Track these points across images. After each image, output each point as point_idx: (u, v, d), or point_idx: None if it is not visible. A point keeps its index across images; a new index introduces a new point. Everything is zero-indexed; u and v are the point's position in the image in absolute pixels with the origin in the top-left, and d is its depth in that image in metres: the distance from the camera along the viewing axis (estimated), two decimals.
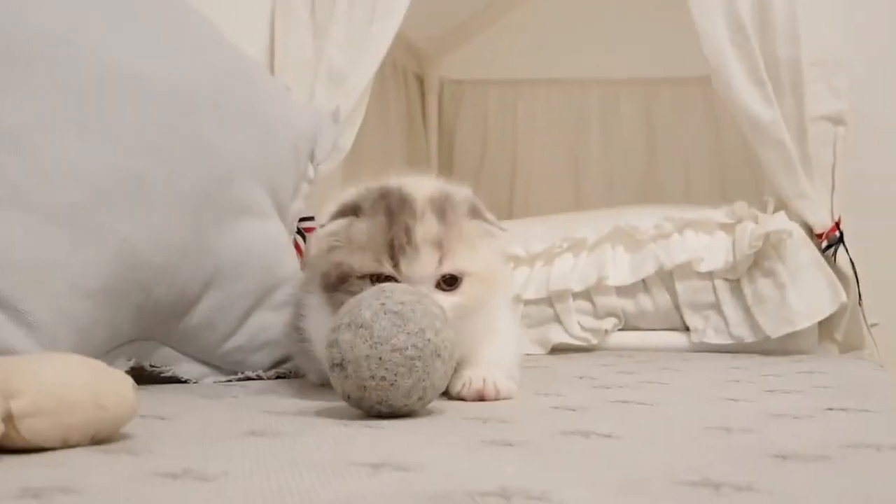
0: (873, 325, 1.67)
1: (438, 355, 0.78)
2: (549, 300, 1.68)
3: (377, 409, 0.78)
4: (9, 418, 0.59)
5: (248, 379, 1.18)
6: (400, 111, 2.41)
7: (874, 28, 2.11)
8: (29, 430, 0.60)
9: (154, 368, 1.09)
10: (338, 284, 0.90)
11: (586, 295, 1.67)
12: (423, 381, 0.78)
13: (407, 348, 0.76)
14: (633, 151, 2.50)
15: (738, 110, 1.64)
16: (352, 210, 0.91)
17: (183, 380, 1.12)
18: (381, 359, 0.76)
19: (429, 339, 0.77)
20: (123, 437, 0.68)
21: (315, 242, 1.70)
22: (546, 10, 2.51)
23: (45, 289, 0.90)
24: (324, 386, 1.06)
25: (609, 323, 1.66)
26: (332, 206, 0.93)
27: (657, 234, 1.67)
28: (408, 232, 0.88)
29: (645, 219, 1.70)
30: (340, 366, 0.78)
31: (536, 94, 2.61)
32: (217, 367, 1.16)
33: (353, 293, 0.86)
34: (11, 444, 0.60)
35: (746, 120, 1.63)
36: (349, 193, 0.94)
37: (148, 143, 1.02)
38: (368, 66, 1.71)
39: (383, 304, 0.78)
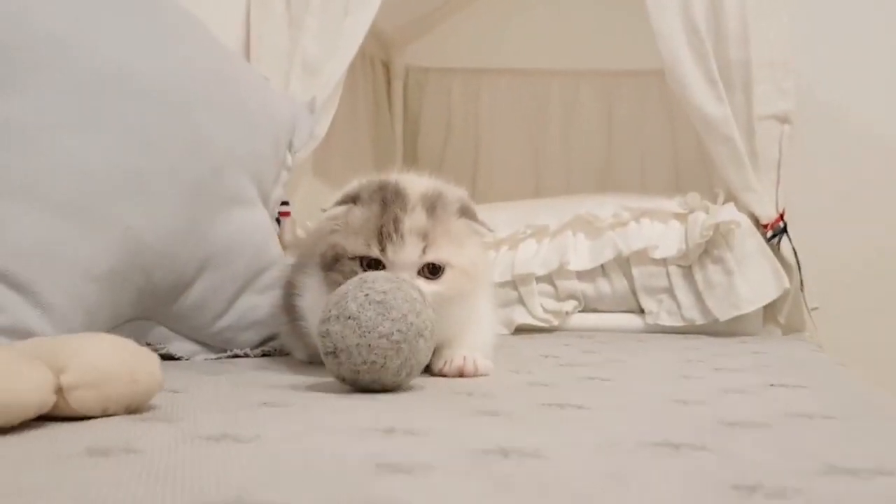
0: (814, 309, 1.79)
1: (421, 335, 0.87)
2: (514, 283, 1.77)
3: (370, 386, 0.87)
4: (59, 390, 0.67)
5: (237, 356, 1.26)
6: (367, 97, 2.48)
7: (823, 33, 2.24)
8: (76, 400, 0.68)
9: (150, 346, 1.16)
10: (332, 264, 0.99)
11: (548, 279, 1.77)
12: (410, 359, 0.87)
13: (392, 334, 0.85)
14: (591, 141, 2.58)
15: (691, 108, 1.74)
16: (352, 199, 1.00)
17: (176, 357, 1.20)
18: (370, 346, 0.85)
19: (411, 323, 0.86)
20: (151, 407, 0.76)
21: (288, 227, 1.78)
22: (509, 1, 2.58)
23: (57, 273, 0.97)
24: (311, 363, 1.15)
25: (570, 305, 1.76)
26: (337, 195, 1.01)
27: (615, 223, 1.77)
28: (396, 222, 0.96)
29: (604, 207, 1.80)
30: (334, 354, 0.86)
31: (499, 82, 2.68)
32: (207, 346, 1.24)
33: (343, 272, 0.96)
34: (60, 413, 0.68)
35: (699, 117, 1.73)
36: (352, 184, 1.02)
37: (147, 139, 1.09)
38: (343, 57, 1.79)
39: (367, 294, 0.87)
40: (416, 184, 1.02)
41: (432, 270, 0.98)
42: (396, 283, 0.89)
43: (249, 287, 1.26)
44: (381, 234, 0.96)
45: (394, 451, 0.58)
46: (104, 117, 1.04)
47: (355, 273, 0.96)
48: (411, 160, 2.64)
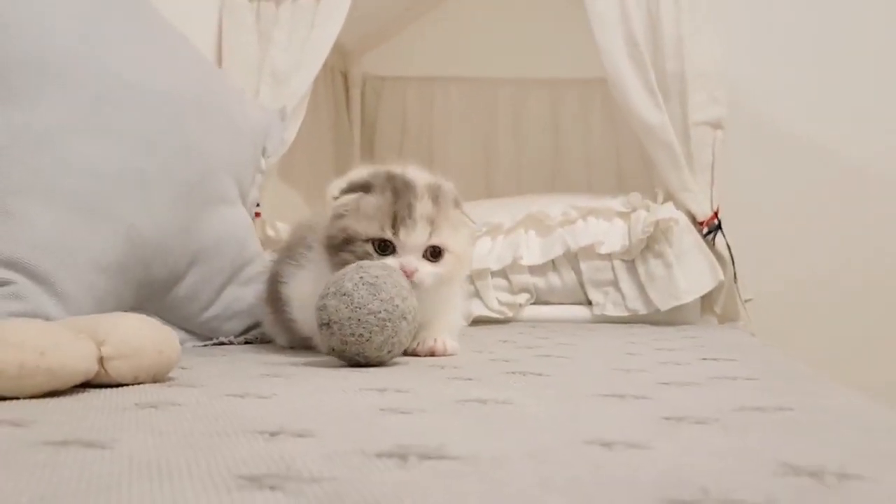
0: (747, 300, 1.95)
1: (404, 318, 1.00)
2: (471, 277, 1.90)
3: (356, 359, 1.00)
4: (99, 361, 0.79)
5: (222, 344, 1.37)
6: (327, 105, 2.60)
7: (754, 46, 2.43)
8: (113, 369, 0.79)
9: None
10: (343, 246, 1.10)
11: (503, 273, 1.90)
12: (392, 338, 0.99)
13: (380, 312, 0.98)
14: (539, 144, 2.72)
15: (632, 115, 1.88)
16: (361, 187, 1.12)
17: None
18: (359, 320, 0.97)
19: (397, 305, 0.99)
20: (170, 378, 0.87)
21: (258, 226, 1.89)
22: (461, 12, 2.71)
23: (71, 265, 1.08)
24: (293, 348, 1.27)
25: (523, 298, 1.90)
26: (341, 183, 1.13)
27: (564, 221, 1.91)
28: (409, 207, 1.09)
29: (554, 207, 1.93)
30: (327, 325, 0.99)
31: (451, 90, 2.81)
32: (195, 334, 1.35)
33: (355, 253, 1.09)
34: (99, 381, 0.79)
35: (639, 123, 1.88)
36: (359, 173, 1.14)
37: (148, 143, 1.20)
38: (310, 68, 1.91)
39: (362, 276, 1.00)
40: (419, 176, 1.15)
41: (434, 253, 1.11)
42: (388, 271, 1.02)
43: (234, 280, 1.37)
44: (395, 218, 1.09)
45: (391, 402, 0.71)
46: (110, 124, 1.15)
47: (368, 254, 1.08)
48: (369, 163, 2.75)
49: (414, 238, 1.09)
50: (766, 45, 2.51)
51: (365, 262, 1.04)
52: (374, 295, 0.98)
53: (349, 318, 0.97)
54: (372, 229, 1.09)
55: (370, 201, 1.11)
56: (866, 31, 2.52)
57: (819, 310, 2.47)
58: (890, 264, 2.49)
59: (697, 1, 1.87)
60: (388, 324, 0.98)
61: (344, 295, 0.98)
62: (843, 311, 2.48)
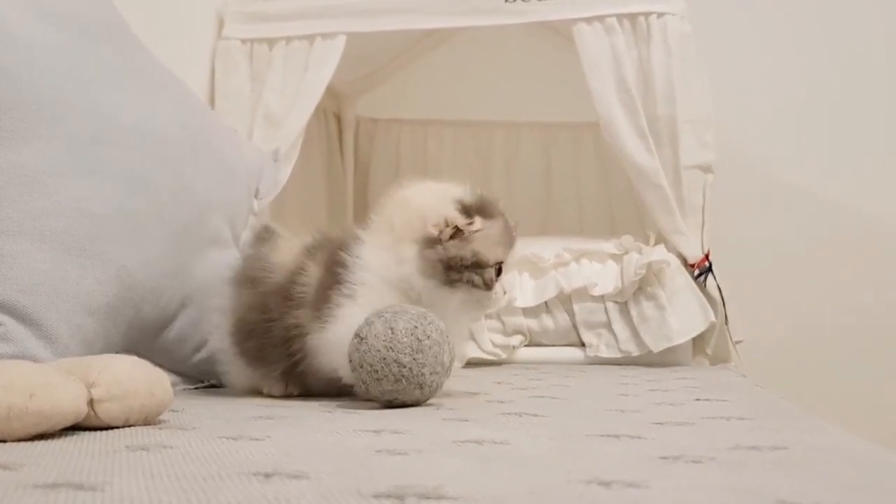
0: (738, 342, 1.94)
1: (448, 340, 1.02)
2: None
3: (417, 390, 0.98)
4: (90, 403, 0.78)
5: (213, 386, 1.36)
6: (321, 147, 2.61)
7: (744, 93, 2.47)
8: (104, 411, 0.79)
9: None
10: (472, 269, 1.09)
11: (496, 315, 1.90)
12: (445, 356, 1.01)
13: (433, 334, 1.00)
14: (532, 187, 2.73)
15: (624, 158, 1.89)
16: (479, 211, 1.10)
17: None
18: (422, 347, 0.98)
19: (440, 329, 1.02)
20: (162, 421, 0.87)
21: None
22: (454, 56, 2.73)
23: (60, 307, 1.07)
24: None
25: (516, 340, 1.89)
26: (454, 205, 1.09)
27: (557, 263, 1.91)
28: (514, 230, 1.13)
29: (547, 249, 1.93)
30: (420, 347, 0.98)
31: (444, 133, 2.82)
32: (185, 376, 1.34)
33: (483, 276, 1.09)
34: (89, 424, 0.79)
35: (631, 167, 1.89)
36: (467, 196, 1.11)
37: (140, 184, 1.20)
38: (303, 110, 1.92)
39: (396, 314, 1.00)
40: None
41: None
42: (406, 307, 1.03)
43: None
44: (511, 241, 1.13)
45: (387, 443, 0.70)
46: (103, 165, 1.15)
47: (492, 278, 1.10)
48: (362, 205, 2.77)
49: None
50: (755, 91, 2.54)
51: (389, 307, 1.03)
52: (424, 323, 1.01)
53: (431, 347, 0.99)
54: (500, 254, 1.11)
55: (496, 226, 1.11)
56: (855, 78, 2.56)
57: (807, 351, 2.48)
58: (880, 307, 2.50)
59: (688, 47, 1.88)
60: (445, 346, 1.01)
61: (411, 333, 0.99)
62: (831, 353, 2.48)
